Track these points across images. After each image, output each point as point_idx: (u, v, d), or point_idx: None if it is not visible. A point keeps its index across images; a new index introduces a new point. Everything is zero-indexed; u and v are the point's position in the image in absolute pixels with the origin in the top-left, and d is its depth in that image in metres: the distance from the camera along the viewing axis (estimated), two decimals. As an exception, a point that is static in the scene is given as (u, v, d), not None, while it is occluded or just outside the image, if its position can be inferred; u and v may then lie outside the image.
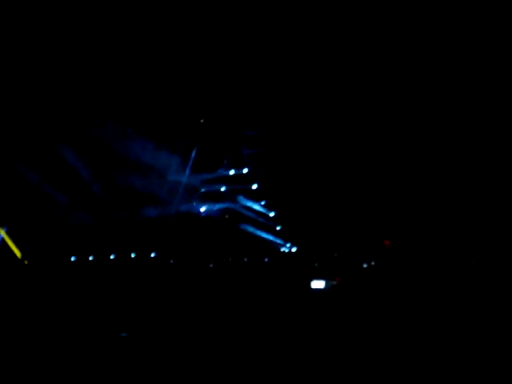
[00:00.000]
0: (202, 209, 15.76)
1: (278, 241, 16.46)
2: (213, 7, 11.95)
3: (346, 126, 14.28)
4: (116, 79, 13.00)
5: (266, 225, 16.47)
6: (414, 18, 11.17)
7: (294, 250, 16.30)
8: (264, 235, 16.19)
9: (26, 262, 13.73)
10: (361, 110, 13.67)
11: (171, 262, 14.15)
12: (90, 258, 14.17)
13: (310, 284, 11.30)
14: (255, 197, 16.22)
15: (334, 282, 11.15)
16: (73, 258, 14.14)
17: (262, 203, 16.35)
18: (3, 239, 14.06)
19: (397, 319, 7.45)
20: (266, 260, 15.76)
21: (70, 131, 13.49)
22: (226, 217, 16.11)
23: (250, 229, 16.09)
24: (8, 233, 14.07)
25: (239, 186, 16.06)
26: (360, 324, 7.27)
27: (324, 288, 11.07)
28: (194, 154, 15.47)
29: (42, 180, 13.54)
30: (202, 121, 15.30)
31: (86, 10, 11.22)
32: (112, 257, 14.46)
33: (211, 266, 14.06)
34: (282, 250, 16.43)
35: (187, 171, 15.28)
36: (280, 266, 14.86)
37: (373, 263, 13.03)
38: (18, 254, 13.97)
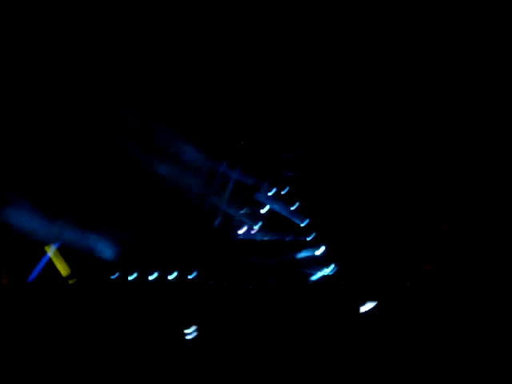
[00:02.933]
0: (241, 231, 15.81)
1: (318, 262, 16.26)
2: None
3: (387, 146, 14.13)
4: (157, 101, 13.36)
5: (308, 247, 16.32)
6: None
7: (333, 272, 16.04)
8: (302, 256, 16.04)
9: (70, 282, 14.02)
10: (400, 128, 13.51)
11: (210, 282, 14.21)
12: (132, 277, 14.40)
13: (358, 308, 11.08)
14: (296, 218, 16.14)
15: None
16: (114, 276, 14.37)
17: (303, 224, 16.24)
18: (50, 258, 14.41)
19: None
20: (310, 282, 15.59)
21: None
22: (266, 238, 16.07)
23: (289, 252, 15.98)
24: (56, 252, 14.41)
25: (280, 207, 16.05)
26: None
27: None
28: (235, 176, 15.65)
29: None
30: (242, 142, 15.50)
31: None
32: (154, 276, 14.64)
33: (250, 288, 14.03)
34: (323, 273, 16.20)
35: (227, 193, 15.44)
36: (322, 290, 14.65)
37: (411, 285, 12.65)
38: (63, 272, 14.28)
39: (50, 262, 14.30)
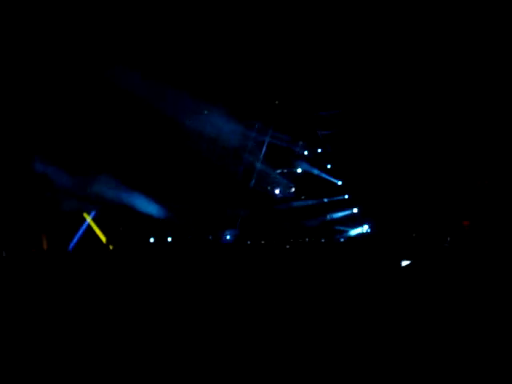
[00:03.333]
0: (277, 191, 15.91)
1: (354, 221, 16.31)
2: None
3: (422, 106, 13.91)
4: (193, 62, 13.29)
5: (341, 206, 16.36)
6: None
7: (369, 231, 16.08)
8: (339, 216, 16.10)
9: (110, 247, 14.37)
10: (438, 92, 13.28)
11: (248, 242, 14.44)
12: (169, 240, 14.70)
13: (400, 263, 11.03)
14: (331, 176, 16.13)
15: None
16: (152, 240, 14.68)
17: (339, 183, 16.23)
18: (89, 224, 14.76)
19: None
20: (342, 240, 15.69)
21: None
22: (303, 197, 16.15)
23: (325, 210, 16.04)
24: (94, 218, 14.75)
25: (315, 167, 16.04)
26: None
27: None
28: (269, 136, 15.63)
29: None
30: (276, 102, 15.40)
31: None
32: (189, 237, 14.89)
33: (287, 247, 14.19)
34: (358, 231, 16.25)
35: (262, 153, 15.46)
36: (357, 247, 14.72)
37: (450, 244, 12.63)
38: (103, 239, 14.65)
39: (89, 229, 14.69)
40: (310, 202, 15.90)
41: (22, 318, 6.89)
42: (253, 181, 15.39)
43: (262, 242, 14.18)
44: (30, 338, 6.21)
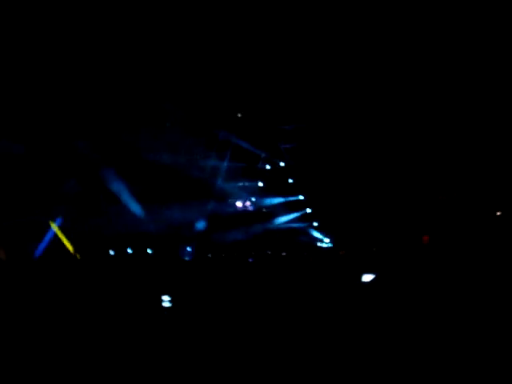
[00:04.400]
0: (238, 203, 15.80)
1: (316, 236, 16.35)
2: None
3: (384, 118, 14.08)
4: (156, 71, 13.12)
5: (303, 220, 16.39)
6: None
7: (329, 245, 16.16)
8: (301, 230, 16.11)
9: (78, 257, 13.77)
10: (396, 104, 13.48)
11: (209, 256, 14.23)
12: (129, 251, 14.36)
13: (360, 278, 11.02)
14: (292, 191, 16.16)
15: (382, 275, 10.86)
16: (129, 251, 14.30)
17: (300, 198, 16.27)
18: (55, 233, 14.14)
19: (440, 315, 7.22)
20: (305, 254, 15.67)
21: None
22: (264, 210, 16.10)
23: (287, 224, 16.03)
24: (60, 227, 14.16)
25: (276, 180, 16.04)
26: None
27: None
28: (231, 149, 15.55)
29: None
30: (239, 115, 15.35)
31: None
32: (149, 251, 14.60)
33: (250, 260, 14.07)
34: (319, 245, 16.30)
35: (224, 166, 15.36)
36: (320, 261, 14.73)
37: (412, 258, 12.75)
38: (70, 248, 14.03)
39: (55, 238, 14.06)
40: (270, 215, 15.89)
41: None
42: (214, 194, 15.25)
43: (223, 255, 14.01)
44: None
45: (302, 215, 16.25)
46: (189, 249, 14.91)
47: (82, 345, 6.10)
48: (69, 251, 13.85)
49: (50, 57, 12.16)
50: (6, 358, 5.54)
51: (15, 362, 5.41)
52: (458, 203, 14.00)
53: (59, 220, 14.07)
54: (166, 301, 8.41)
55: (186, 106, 13.96)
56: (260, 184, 16.09)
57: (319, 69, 13.50)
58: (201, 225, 15.03)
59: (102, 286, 8.81)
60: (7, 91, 12.37)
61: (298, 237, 16.00)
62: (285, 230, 15.93)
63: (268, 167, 15.88)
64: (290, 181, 15.91)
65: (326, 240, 16.31)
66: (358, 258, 13.38)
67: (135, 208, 14.13)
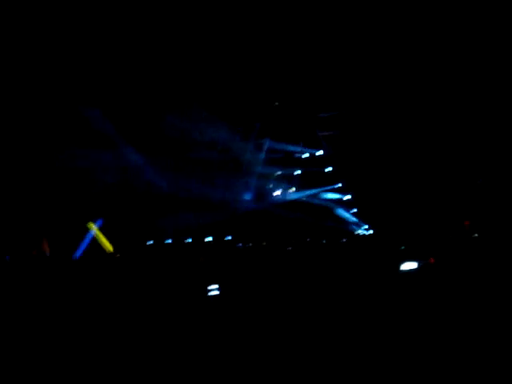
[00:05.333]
0: (277, 192, 15.87)
1: (354, 222, 16.31)
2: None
3: (421, 110, 13.95)
4: (191, 61, 13.22)
5: (342, 207, 16.36)
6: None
7: (370, 232, 16.10)
8: (339, 217, 16.11)
9: (117, 256, 13.99)
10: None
11: (248, 245, 14.38)
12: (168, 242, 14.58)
13: (399, 266, 10.96)
14: (331, 180, 16.13)
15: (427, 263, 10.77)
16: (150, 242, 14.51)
17: (338, 186, 16.24)
18: (95, 234, 14.44)
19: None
20: (344, 241, 15.65)
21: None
22: (302, 200, 16.13)
23: (325, 211, 16.03)
24: (101, 228, 14.44)
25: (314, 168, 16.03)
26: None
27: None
28: (268, 137, 15.61)
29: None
30: (276, 103, 15.36)
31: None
32: (189, 240, 14.80)
33: (289, 248, 14.16)
34: (358, 232, 16.27)
35: (262, 154, 15.42)
36: (358, 249, 14.70)
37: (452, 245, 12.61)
38: (109, 248, 14.30)
39: (95, 239, 14.36)
40: (308, 204, 15.90)
41: (23, 323, 6.86)
42: (253, 182, 15.36)
43: (263, 244, 14.14)
44: (29, 342, 6.19)
45: (340, 202, 16.22)
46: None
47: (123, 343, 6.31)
48: (108, 251, 14.14)
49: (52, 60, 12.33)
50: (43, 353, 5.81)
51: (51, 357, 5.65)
52: (497, 188, 13.80)
53: (99, 222, 14.37)
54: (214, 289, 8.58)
55: (222, 98, 14.04)
56: (298, 172, 16.11)
57: (353, 58, 13.44)
58: (248, 196, 15.11)
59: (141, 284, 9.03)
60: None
61: (336, 224, 15.99)
62: (324, 218, 15.93)
63: (307, 155, 15.87)
64: (329, 169, 15.88)
65: (366, 227, 16.27)
66: (398, 245, 13.31)
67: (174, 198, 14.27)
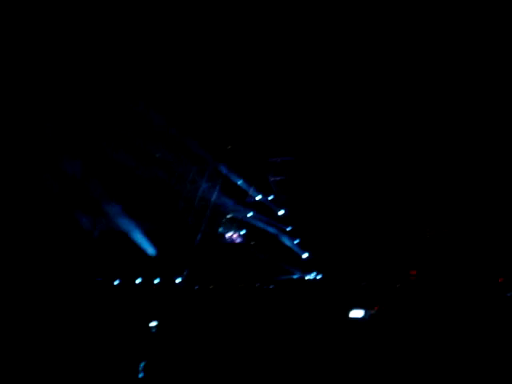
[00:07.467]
0: (228, 234, 15.77)
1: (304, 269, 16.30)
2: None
3: (371, 152, 14.25)
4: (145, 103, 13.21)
5: (292, 252, 16.36)
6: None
7: (318, 277, 16.10)
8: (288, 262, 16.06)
9: None
10: (385, 136, 13.68)
11: (196, 287, 14.12)
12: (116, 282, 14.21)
13: (347, 313, 10.94)
14: (281, 223, 16.17)
15: (373, 311, 10.81)
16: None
17: (288, 229, 16.28)
18: None
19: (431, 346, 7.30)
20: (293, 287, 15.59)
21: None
22: (252, 243, 16.08)
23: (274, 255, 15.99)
24: None
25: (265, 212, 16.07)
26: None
27: (363, 317, 10.71)
28: (221, 180, 15.61)
29: None
30: (229, 147, 15.46)
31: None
32: (138, 281, 14.45)
33: (239, 288, 13.98)
34: (307, 277, 16.24)
35: (214, 197, 15.38)
36: (307, 294, 14.67)
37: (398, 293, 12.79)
38: None
39: None
40: (259, 247, 15.84)
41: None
42: (203, 225, 15.22)
43: (210, 287, 13.91)
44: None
45: (291, 247, 16.23)
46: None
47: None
48: None
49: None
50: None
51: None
52: (445, 239, 14.13)
53: None
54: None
55: (177, 136, 14.03)
56: (249, 215, 16.10)
57: (307, 103, 13.69)
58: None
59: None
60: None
61: (286, 269, 15.95)
62: (274, 262, 15.88)
63: (257, 199, 15.91)
64: (280, 213, 15.96)
65: (314, 272, 16.28)
66: (347, 292, 13.37)
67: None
